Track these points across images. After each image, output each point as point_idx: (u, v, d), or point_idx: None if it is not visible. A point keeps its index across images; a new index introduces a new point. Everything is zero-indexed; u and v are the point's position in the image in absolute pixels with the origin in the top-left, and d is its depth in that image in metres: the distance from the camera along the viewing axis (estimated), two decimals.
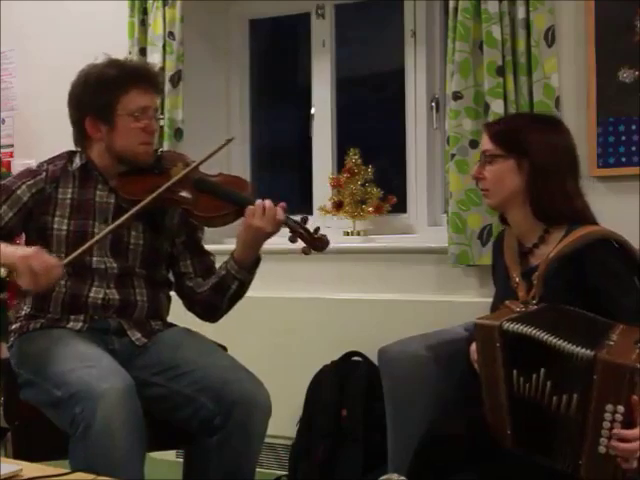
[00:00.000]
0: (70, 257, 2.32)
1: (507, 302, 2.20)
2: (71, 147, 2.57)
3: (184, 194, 2.43)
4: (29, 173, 2.50)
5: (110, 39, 3.72)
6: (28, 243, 2.52)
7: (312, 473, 3.34)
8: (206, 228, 2.62)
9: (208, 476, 2.35)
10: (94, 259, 2.44)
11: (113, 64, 2.49)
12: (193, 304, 2.57)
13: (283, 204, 2.38)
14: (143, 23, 3.87)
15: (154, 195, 2.36)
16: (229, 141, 2.52)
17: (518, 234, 2.32)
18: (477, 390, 2.15)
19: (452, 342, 2.70)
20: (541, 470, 2.02)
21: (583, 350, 1.91)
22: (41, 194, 2.46)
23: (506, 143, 2.26)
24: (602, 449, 1.90)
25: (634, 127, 3.05)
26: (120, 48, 3.70)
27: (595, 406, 1.90)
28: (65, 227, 2.45)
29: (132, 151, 2.45)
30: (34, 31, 4.31)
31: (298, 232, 2.37)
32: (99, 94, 2.43)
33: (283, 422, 3.28)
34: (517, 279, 2.27)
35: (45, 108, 4.17)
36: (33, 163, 2.59)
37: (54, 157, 2.55)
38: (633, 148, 3.06)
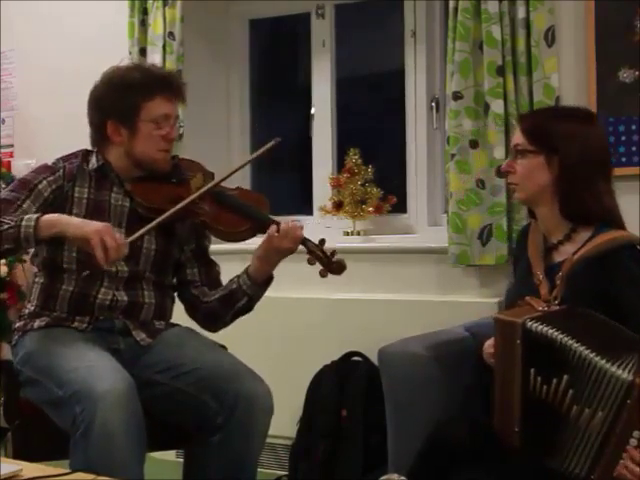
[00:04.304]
0: (133, 236, 2.31)
1: (527, 298, 2.16)
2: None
3: (205, 207, 2.43)
4: (48, 169, 2.49)
5: (110, 39, 3.73)
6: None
7: (312, 473, 3.34)
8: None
9: (209, 475, 2.35)
10: None
11: (138, 68, 2.50)
12: (196, 312, 2.57)
13: (301, 224, 2.41)
14: (143, 23, 3.86)
15: (181, 205, 2.36)
16: (276, 143, 2.48)
17: (544, 229, 2.29)
18: (481, 389, 2.15)
19: (452, 342, 2.70)
20: (544, 472, 2.01)
21: (620, 371, 1.88)
22: (60, 190, 2.45)
23: (537, 139, 2.22)
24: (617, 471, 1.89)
25: (634, 127, 3.06)
26: (120, 48, 3.70)
27: (622, 429, 1.88)
28: None
29: (150, 157, 2.45)
30: (34, 31, 4.31)
31: (316, 254, 2.39)
32: (123, 98, 2.43)
33: (283, 422, 3.27)
34: (540, 276, 2.22)
35: (45, 108, 4.17)
36: (33, 163, 2.58)
37: (69, 155, 2.54)
38: (633, 148, 3.06)
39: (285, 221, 2.40)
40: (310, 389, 3.46)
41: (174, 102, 2.49)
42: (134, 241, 2.32)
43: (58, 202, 2.43)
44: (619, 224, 2.23)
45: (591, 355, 1.92)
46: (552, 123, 2.26)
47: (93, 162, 2.50)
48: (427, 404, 2.52)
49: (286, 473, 3.51)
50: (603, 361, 1.91)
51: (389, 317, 3.39)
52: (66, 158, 2.52)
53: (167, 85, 2.48)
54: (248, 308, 2.51)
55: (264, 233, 2.41)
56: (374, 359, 2.81)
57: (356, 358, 3.42)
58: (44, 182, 2.44)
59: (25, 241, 2.25)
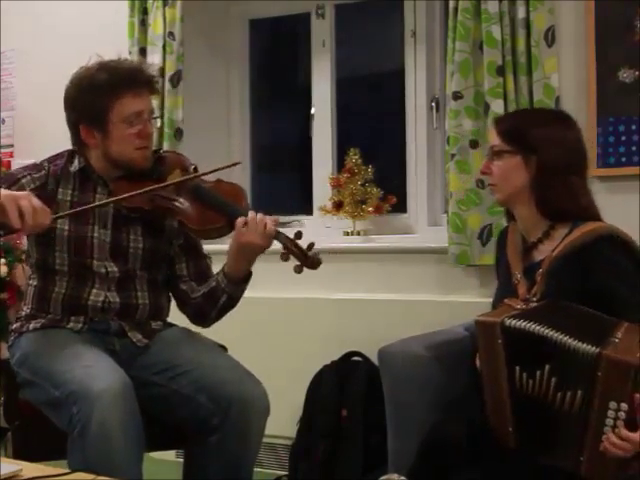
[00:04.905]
0: (61, 214, 2.30)
1: (506, 300, 2.20)
2: (71, 147, 2.56)
3: (179, 204, 2.39)
4: (33, 167, 2.49)
5: (110, 39, 3.72)
6: (30, 240, 2.51)
7: (312, 473, 3.34)
8: None
9: (208, 476, 2.35)
10: (95, 262, 2.43)
11: (104, 68, 2.43)
12: (185, 307, 2.56)
13: (276, 218, 2.32)
14: (143, 23, 3.86)
15: (139, 192, 2.31)
16: (234, 164, 2.48)
17: (523, 229, 2.31)
18: (477, 390, 2.15)
19: (452, 342, 2.70)
20: (543, 471, 2.01)
21: (588, 347, 1.92)
22: (44, 189, 2.43)
23: (514, 140, 2.25)
24: (603, 447, 1.90)
25: (634, 127, 3.05)
26: (120, 48, 3.69)
27: (598, 403, 1.90)
28: (67, 228, 2.43)
29: (128, 157, 2.42)
30: (34, 31, 4.31)
31: (290, 249, 2.28)
32: (92, 101, 2.39)
33: (283, 422, 3.28)
34: (518, 276, 2.25)
35: (45, 108, 4.15)
36: None
37: (55, 156, 2.53)
38: (633, 148, 3.06)
39: (256, 215, 2.29)
40: (310, 389, 3.46)
41: (144, 96, 2.43)
42: (59, 217, 2.29)
43: (41, 200, 2.41)
44: (595, 219, 2.25)
45: (566, 339, 1.95)
46: (530, 124, 2.28)
47: (75, 164, 2.49)
48: (427, 404, 2.52)
49: (286, 473, 3.51)
50: (576, 342, 1.94)
51: (389, 317, 3.39)
52: (51, 159, 2.52)
53: (134, 81, 2.41)
54: (231, 304, 2.48)
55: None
56: (374, 359, 2.81)
57: (356, 358, 3.42)
58: (28, 177, 2.43)
59: None
